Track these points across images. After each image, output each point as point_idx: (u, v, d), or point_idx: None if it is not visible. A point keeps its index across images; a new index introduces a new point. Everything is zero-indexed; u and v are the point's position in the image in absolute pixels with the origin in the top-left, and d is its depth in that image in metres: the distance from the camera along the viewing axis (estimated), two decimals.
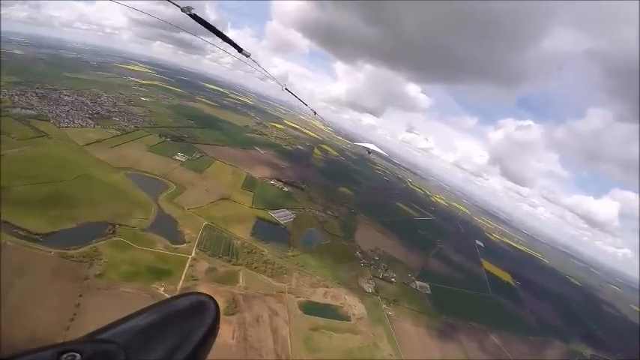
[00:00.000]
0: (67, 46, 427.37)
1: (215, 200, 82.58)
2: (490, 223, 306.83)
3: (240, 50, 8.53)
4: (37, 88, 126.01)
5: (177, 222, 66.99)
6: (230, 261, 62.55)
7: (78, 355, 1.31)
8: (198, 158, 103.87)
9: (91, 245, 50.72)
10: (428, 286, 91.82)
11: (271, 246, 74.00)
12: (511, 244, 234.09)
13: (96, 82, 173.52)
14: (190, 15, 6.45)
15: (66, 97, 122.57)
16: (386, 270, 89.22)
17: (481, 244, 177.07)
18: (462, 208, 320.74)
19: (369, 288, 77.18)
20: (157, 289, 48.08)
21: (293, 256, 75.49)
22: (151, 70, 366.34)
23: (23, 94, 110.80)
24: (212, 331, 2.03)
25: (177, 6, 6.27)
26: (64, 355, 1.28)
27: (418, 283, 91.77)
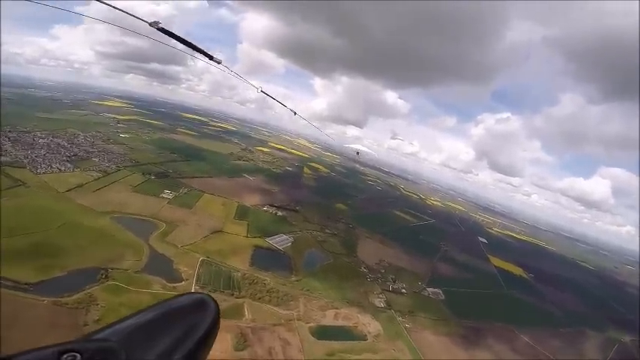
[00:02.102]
0: (36, 85, 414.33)
1: (208, 234, 79.28)
2: (489, 218, 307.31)
3: (211, 58, 8.74)
4: (9, 131, 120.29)
5: (172, 260, 63.98)
6: (232, 294, 60.16)
7: (78, 354, 1.29)
8: (185, 193, 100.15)
9: (84, 291, 48.47)
10: (441, 292, 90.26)
11: (273, 274, 71.44)
12: (514, 236, 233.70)
13: (71, 122, 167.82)
14: (158, 29, 6.57)
15: (41, 140, 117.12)
16: (395, 281, 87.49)
17: (484, 240, 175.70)
18: (458, 206, 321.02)
19: (380, 303, 75.17)
20: None
21: (297, 280, 73.19)
22: (128, 104, 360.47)
23: None
24: (212, 330, 2.01)
25: (145, 21, 6.31)
26: (65, 355, 1.26)
27: (430, 290, 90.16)
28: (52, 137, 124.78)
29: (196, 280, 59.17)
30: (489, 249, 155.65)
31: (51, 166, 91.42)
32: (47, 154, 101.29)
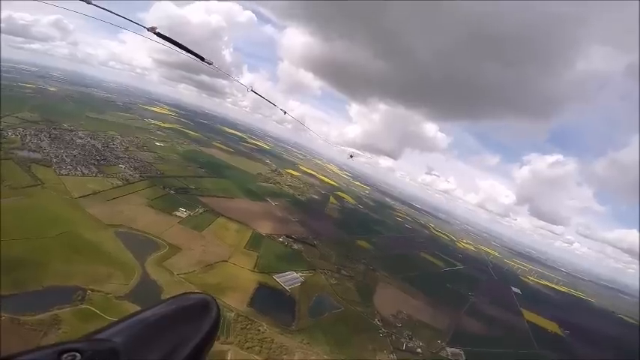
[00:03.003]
0: (101, 85, 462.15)
1: (212, 263, 72.01)
2: (524, 265, 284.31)
3: (202, 59, 9.48)
4: (54, 128, 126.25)
5: (162, 289, 57.01)
6: (218, 338, 50.98)
7: (78, 354, 1.29)
8: (201, 214, 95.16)
9: (51, 312, 43.23)
10: (462, 354, 78.12)
11: (272, 319, 62.02)
12: (551, 286, 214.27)
13: (115, 124, 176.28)
14: (156, 33, 7.76)
15: (79, 140, 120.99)
16: (411, 339, 75.55)
17: (518, 290, 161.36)
18: (491, 251, 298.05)
19: None
20: None
21: (297, 330, 62.99)
22: (174, 112, 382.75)
23: (37, 135, 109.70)
24: (213, 331, 2.03)
25: (144, 27, 7.32)
26: (65, 355, 1.26)
27: (450, 350, 78.01)
28: (91, 138, 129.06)
29: None
30: (523, 301, 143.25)
31: (76, 168, 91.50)
32: (78, 155, 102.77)
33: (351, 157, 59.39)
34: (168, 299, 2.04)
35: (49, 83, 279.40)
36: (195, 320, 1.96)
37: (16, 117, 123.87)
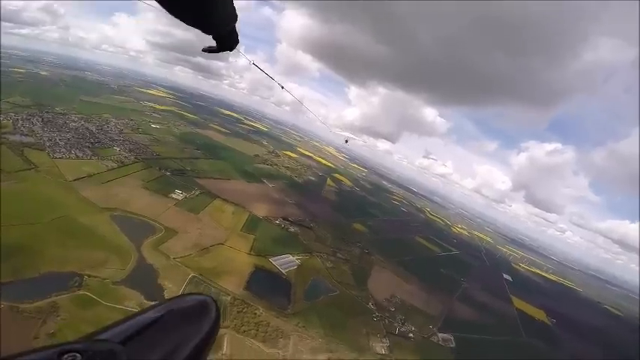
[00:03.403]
0: (94, 68, 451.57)
1: (208, 246, 72.69)
2: (516, 252, 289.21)
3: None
4: (46, 112, 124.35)
5: (159, 273, 57.43)
6: None
7: (78, 355, 1.29)
8: (197, 196, 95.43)
9: (49, 299, 43.36)
10: (452, 338, 79.78)
11: (268, 302, 63.03)
12: (541, 274, 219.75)
13: (109, 107, 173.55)
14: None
15: (72, 123, 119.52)
16: (403, 323, 77.29)
17: (509, 277, 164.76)
18: (485, 237, 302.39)
19: (381, 349, 65.34)
20: None
21: (293, 314, 64.14)
22: (170, 94, 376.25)
23: (29, 119, 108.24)
24: (212, 331, 2.05)
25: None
26: (65, 356, 1.26)
27: (441, 335, 79.72)
28: (84, 121, 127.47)
29: None
30: (513, 288, 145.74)
31: (70, 151, 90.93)
32: (72, 139, 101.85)
33: (347, 141, 58.88)
34: (168, 300, 2.05)
35: (40, 67, 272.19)
36: (195, 321, 1.97)
37: (7, 102, 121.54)
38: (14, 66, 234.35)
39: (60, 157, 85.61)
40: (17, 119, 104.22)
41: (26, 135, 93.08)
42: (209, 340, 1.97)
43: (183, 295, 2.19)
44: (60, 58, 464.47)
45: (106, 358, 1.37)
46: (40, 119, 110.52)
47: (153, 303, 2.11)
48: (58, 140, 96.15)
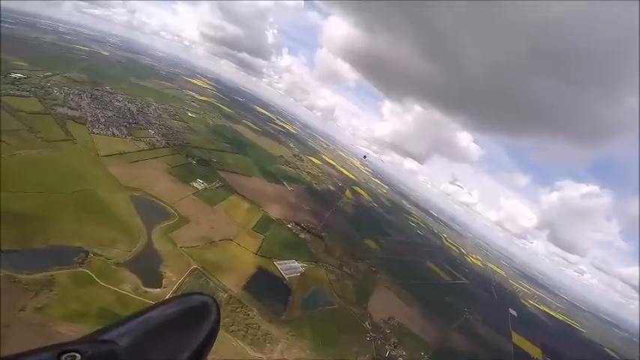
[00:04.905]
0: (150, 53, 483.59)
1: (216, 240, 73.52)
2: (528, 288, 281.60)
3: None
4: (97, 89, 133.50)
5: (163, 260, 58.18)
6: None
7: (78, 355, 1.30)
8: (216, 188, 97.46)
9: (49, 272, 43.83)
10: None
11: (264, 305, 62.20)
12: (548, 313, 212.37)
13: (154, 91, 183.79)
14: None
15: (116, 103, 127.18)
16: (395, 347, 74.54)
17: (514, 313, 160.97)
18: (499, 270, 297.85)
19: None
20: None
21: (286, 321, 62.91)
22: (212, 86, 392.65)
23: (79, 94, 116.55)
24: (213, 331, 2.09)
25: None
26: (64, 356, 1.27)
27: None
28: (128, 102, 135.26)
29: (175, 290, 52.52)
30: (516, 323, 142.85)
31: (108, 129, 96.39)
32: (113, 117, 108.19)
33: (365, 157, 57.29)
34: (169, 300, 2.07)
35: (103, 47, 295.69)
36: (196, 322, 2.00)
37: (65, 76, 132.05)
38: (80, 43, 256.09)
39: (97, 133, 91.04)
40: (69, 93, 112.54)
41: (73, 109, 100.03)
42: (209, 340, 2.00)
43: (184, 295, 2.22)
44: (122, 41, 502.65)
45: (107, 358, 1.39)
46: (89, 95, 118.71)
47: (153, 303, 2.12)
48: (100, 117, 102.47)
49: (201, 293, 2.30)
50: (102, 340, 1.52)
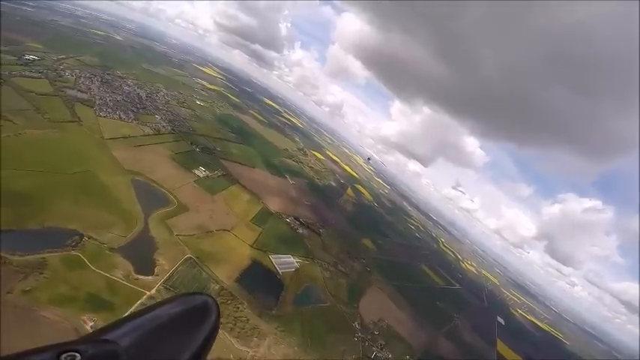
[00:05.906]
0: (163, 40, 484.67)
1: (213, 230, 74.26)
2: (518, 297, 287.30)
3: None
4: (108, 73, 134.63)
5: (157, 248, 58.53)
6: None
7: (78, 355, 1.30)
8: (218, 177, 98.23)
9: (41, 255, 43.95)
10: None
11: (255, 299, 62.65)
12: (535, 323, 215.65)
13: (164, 78, 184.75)
14: None
15: (126, 87, 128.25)
16: (381, 349, 75.26)
17: (502, 321, 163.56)
18: (492, 278, 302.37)
19: None
20: (85, 322, 39.38)
21: (276, 316, 63.31)
22: (222, 76, 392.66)
23: (90, 78, 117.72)
24: (213, 331, 2.10)
25: None
26: (64, 355, 1.27)
27: None
28: (137, 87, 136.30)
29: (166, 280, 53.09)
30: (502, 332, 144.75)
31: (115, 112, 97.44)
32: (121, 101, 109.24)
33: (369, 159, 57.06)
34: (169, 299, 2.08)
35: (118, 33, 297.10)
36: (196, 322, 2.01)
37: (78, 59, 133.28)
38: (96, 28, 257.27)
39: (104, 116, 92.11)
40: (80, 76, 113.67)
41: (82, 92, 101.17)
42: (209, 340, 2.01)
43: (183, 295, 2.23)
44: (138, 27, 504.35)
45: (107, 358, 1.39)
46: (99, 79, 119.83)
47: (153, 302, 2.22)
48: (108, 100, 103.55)
49: (201, 293, 2.32)
50: (102, 340, 1.52)
